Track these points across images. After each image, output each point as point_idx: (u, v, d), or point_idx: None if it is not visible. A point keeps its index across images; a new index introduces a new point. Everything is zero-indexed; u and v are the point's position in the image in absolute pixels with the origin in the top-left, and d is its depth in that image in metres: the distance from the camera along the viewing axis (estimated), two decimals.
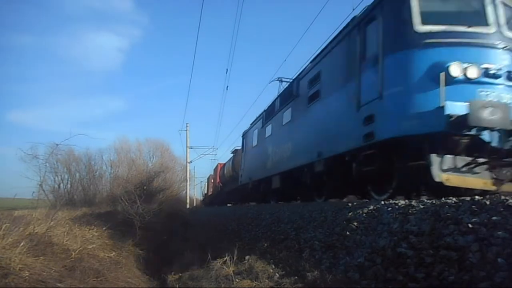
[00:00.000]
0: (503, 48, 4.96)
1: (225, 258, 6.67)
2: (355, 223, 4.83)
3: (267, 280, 5.41)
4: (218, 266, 6.72)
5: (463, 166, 4.77)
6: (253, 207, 11.69)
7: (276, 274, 5.43)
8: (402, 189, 5.67)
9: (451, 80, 4.76)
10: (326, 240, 5.24)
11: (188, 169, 29.62)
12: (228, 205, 20.63)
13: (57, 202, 18.48)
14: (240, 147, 18.75)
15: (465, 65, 4.81)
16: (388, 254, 3.81)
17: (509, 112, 4.54)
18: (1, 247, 6.01)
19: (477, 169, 4.76)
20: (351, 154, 6.37)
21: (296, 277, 5.00)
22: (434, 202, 3.89)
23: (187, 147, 28.93)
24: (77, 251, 7.59)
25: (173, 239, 15.86)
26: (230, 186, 19.92)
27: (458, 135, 4.78)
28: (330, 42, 7.78)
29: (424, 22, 5.18)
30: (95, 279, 7.02)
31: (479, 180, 4.70)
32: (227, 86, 38.92)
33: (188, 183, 29.78)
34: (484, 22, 5.10)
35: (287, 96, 10.28)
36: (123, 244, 11.28)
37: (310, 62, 8.88)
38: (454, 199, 3.76)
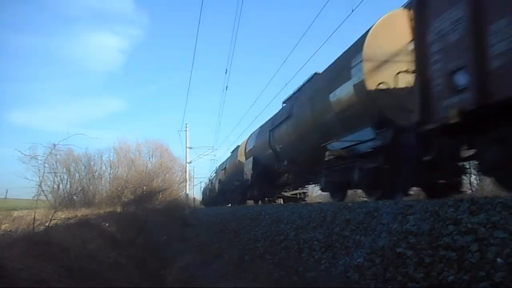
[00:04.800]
0: None
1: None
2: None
3: (267, 280, 5.41)
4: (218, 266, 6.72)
5: None
6: (252, 207, 11.69)
7: (276, 274, 5.43)
8: None
9: None
10: (325, 240, 5.24)
11: (187, 169, 29.61)
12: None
13: (56, 203, 18.48)
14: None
15: None
16: (387, 254, 3.81)
17: None
18: (0, 247, 6.01)
19: None
20: None
21: (296, 277, 5.00)
22: (433, 202, 3.89)
23: (186, 147, 28.94)
24: (76, 251, 7.58)
25: (172, 240, 15.85)
26: None
27: None
28: None
29: None
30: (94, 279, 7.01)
31: None
32: (227, 86, 38.60)
33: (187, 183, 29.75)
34: None
35: None
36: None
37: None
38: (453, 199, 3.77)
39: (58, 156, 19.05)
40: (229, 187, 20.00)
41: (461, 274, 2.85)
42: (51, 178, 21.26)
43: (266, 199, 15.44)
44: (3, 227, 6.57)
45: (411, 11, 5.30)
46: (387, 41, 6.48)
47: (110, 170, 26.29)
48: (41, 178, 10.89)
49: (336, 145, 7.59)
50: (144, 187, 22.19)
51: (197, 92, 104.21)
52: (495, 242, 2.80)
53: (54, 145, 10.04)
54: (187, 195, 29.96)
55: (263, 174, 14.08)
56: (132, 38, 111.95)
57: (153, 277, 9.73)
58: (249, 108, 31.08)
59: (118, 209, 17.30)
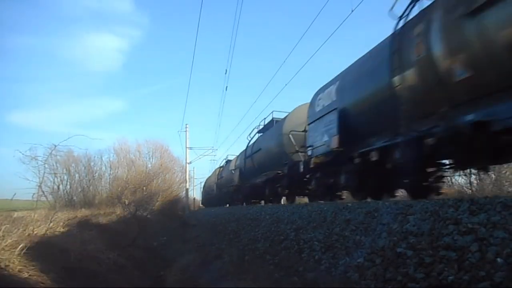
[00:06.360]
0: None
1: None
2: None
3: (267, 281, 5.41)
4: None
5: None
6: (252, 208, 11.69)
7: (276, 274, 5.43)
8: None
9: None
10: (325, 240, 5.24)
11: (187, 170, 29.60)
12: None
13: (56, 203, 18.46)
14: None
15: None
16: (387, 254, 3.81)
17: None
18: (0, 248, 6.01)
19: None
20: None
21: (296, 278, 5.00)
22: (433, 202, 3.90)
23: (186, 147, 28.92)
24: (76, 252, 7.58)
25: (172, 240, 15.84)
26: None
27: None
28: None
29: None
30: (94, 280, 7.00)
31: None
32: (226, 87, 38.54)
33: (187, 183, 29.72)
34: None
35: None
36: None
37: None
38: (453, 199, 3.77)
39: (58, 157, 18.96)
40: (224, 190, 23.15)
41: (461, 274, 2.85)
42: (51, 179, 21.15)
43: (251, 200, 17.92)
44: (3, 228, 6.56)
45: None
46: (295, 122, 11.28)
47: (110, 170, 26.19)
48: (41, 179, 10.92)
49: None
50: (144, 188, 22.18)
51: (197, 92, 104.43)
52: (495, 242, 2.80)
53: (55, 146, 10.06)
54: (187, 195, 29.97)
55: (246, 181, 17.35)
56: (132, 39, 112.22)
57: (153, 277, 9.73)
58: (249, 108, 31.24)
59: (118, 210, 17.31)
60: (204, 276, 7.64)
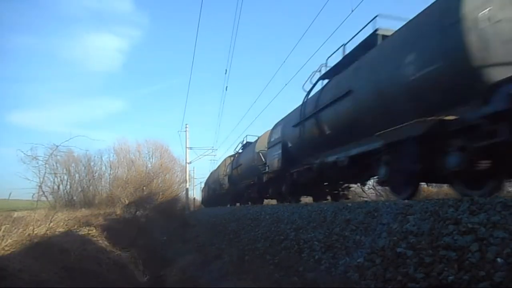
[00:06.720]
0: None
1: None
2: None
3: (267, 281, 5.41)
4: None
5: None
6: (252, 208, 11.68)
7: (276, 274, 5.43)
8: None
9: None
10: (325, 240, 5.24)
11: (187, 170, 29.59)
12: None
13: (56, 203, 18.47)
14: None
15: None
16: (387, 254, 3.82)
17: None
18: (0, 248, 6.01)
19: None
20: None
21: (296, 278, 5.00)
22: (433, 202, 3.90)
23: (186, 147, 28.92)
24: (76, 252, 7.58)
25: (172, 240, 15.85)
26: None
27: None
28: None
29: None
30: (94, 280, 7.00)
31: None
32: (227, 87, 38.45)
33: (187, 183, 29.72)
34: None
35: None
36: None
37: None
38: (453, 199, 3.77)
39: (58, 157, 19.00)
40: (245, 183, 16.24)
41: (461, 274, 2.85)
42: (51, 179, 21.17)
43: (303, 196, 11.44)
44: (3, 228, 6.57)
45: None
46: None
47: (110, 170, 26.21)
48: (41, 179, 10.94)
49: None
50: (144, 188, 22.21)
51: (197, 92, 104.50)
52: (495, 242, 2.81)
53: (56, 146, 10.09)
54: (187, 195, 29.97)
55: (299, 163, 9.81)
56: (132, 39, 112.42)
57: (153, 277, 9.74)
58: (249, 108, 31.19)
59: (118, 210, 17.33)
60: (204, 276, 7.64)
